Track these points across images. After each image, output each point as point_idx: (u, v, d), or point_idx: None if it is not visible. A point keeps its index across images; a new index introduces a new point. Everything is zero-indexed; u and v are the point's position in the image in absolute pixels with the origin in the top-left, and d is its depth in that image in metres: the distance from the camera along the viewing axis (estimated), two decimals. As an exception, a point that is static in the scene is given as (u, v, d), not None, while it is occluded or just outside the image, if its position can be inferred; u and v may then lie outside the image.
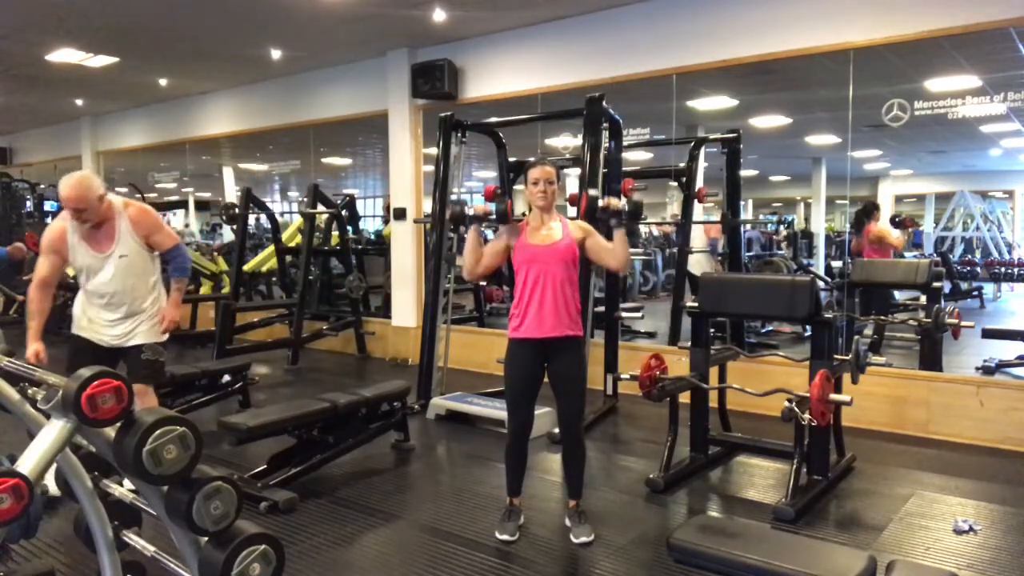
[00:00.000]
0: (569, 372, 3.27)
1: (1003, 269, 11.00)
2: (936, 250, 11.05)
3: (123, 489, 2.20)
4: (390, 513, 3.65)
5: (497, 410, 4.92)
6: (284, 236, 9.39)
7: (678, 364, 4.53)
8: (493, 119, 6.21)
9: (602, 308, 5.57)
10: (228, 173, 12.24)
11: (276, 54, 7.53)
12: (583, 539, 3.24)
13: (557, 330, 3.19)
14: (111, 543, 2.12)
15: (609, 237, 3.28)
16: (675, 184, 7.09)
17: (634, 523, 3.52)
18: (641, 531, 3.41)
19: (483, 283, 8.52)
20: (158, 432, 1.72)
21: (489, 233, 4.30)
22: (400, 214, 7.53)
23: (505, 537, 3.27)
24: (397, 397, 4.50)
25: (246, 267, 8.91)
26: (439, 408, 5.41)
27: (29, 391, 1.87)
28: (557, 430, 4.13)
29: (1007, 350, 6.08)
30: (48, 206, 12.55)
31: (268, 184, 14.63)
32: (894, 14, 4.86)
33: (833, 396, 3.61)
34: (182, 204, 15.22)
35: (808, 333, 5.70)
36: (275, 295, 10.08)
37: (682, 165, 6.74)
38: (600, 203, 3.37)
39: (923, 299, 6.16)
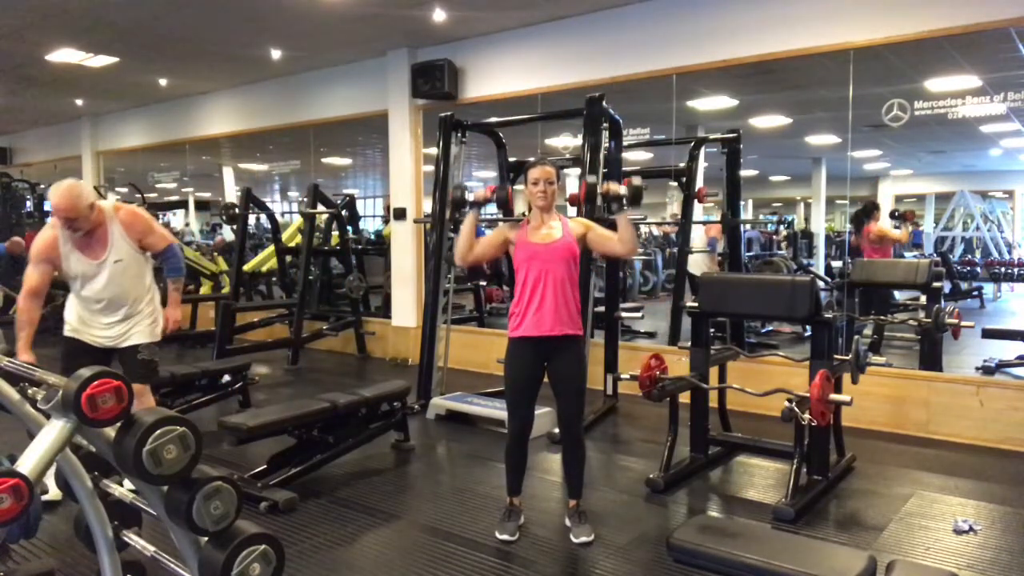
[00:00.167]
0: (569, 372, 3.27)
1: (1003, 269, 11.01)
2: (936, 250, 11.06)
3: (123, 489, 2.20)
4: (390, 513, 3.65)
5: (497, 410, 4.92)
6: (284, 236, 9.40)
7: (678, 364, 4.53)
8: (493, 119, 6.21)
9: (602, 308, 5.57)
10: (228, 173, 12.24)
11: (276, 54, 7.52)
12: (583, 539, 3.24)
13: (557, 329, 3.19)
14: (111, 543, 2.12)
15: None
16: (675, 184, 7.09)
17: (634, 523, 3.52)
18: (641, 531, 3.41)
19: (483, 283, 8.54)
20: (158, 432, 1.72)
21: (488, 232, 4.29)
22: (400, 214, 7.53)
23: (505, 537, 3.27)
24: (397, 397, 4.50)
25: (246, 267, 8.91)
26: (439, 408, 5.41)
27: (29, 391, 1.87)
28: (557, 430, 4.13)
29: (1007, 350, 6.08)
30: (48, 206, 12.51)
31: (268, 184, 14.63)
32: (894, 14, 4.86)
33: (833, 396, 3.60)
34: (182, 204, 15.24)
35: (808, 333, 5.71)
36: (275, 295, 10.08)
37: (682, 165, 6.74)
38: (600, 189, 3.36)
39: (923, 299, 6.16)
